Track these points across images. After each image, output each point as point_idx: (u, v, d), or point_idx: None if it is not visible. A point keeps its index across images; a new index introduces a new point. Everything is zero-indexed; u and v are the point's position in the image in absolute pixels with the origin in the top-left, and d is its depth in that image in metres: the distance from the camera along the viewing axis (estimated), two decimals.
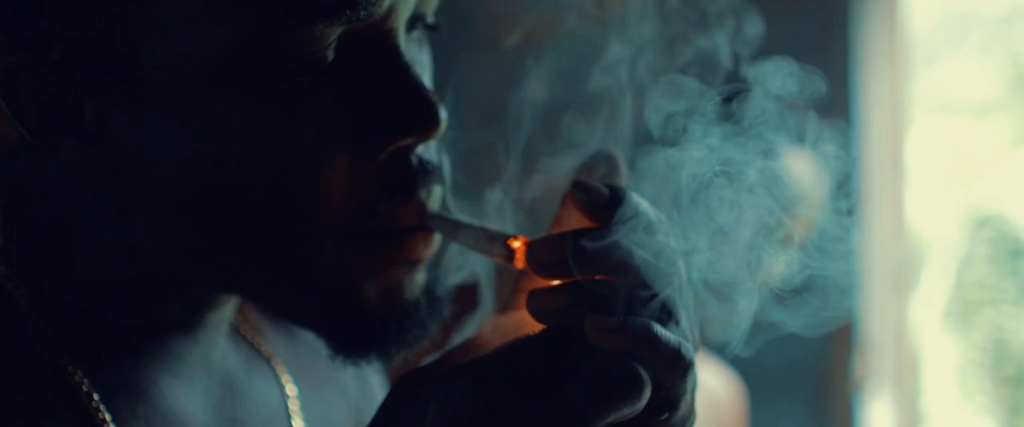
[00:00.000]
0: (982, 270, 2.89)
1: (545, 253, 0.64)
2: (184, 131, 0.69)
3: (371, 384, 0.95)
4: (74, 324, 0.75)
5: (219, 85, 0.68)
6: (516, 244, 0.66)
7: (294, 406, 0.86)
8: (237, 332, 0.86)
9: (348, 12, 0.67)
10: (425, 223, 0.72)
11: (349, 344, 0.75)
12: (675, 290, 0.64)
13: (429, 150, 0.73)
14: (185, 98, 0.69)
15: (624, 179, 0.69)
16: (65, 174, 0.73)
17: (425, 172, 0.72)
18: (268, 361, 0.87)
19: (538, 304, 0.63)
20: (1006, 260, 2.91)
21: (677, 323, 0.64)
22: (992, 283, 2.90)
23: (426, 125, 0.70)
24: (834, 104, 2.21)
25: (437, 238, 0.74)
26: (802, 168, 1.92)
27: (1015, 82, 2.97)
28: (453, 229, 0.71)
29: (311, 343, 0.89)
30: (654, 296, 0.63)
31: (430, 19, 0.74)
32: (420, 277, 0.74)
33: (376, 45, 0.70)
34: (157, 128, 0.70)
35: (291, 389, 0.87)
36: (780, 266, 1.90)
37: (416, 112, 0.70)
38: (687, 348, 0.63)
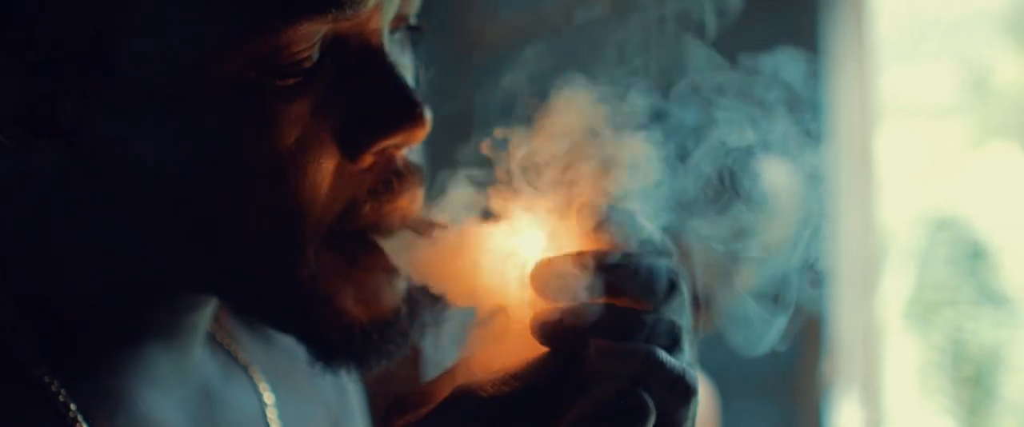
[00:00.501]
0: (941, 272, 2.91)
1: (555, 274, 0.62)
2: (166, 132, 0.68)
3: (349, 393, 0.94)
4: (51, 331, 0.74)
5: (202, 85, 0.67)
6: None
7: (272, 414, 0.86)
8: (213, 340, 0.85)
9: (334, 10, 0.66)
10: (410, 227, 0.71)
11: (328, 351, 0.74)
12: (681, 315, 0.64)
13: (412, 153, 0.72)
14: (167, 99, 0.68)
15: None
16: (44, 178, 0.72)
17: (410, 174, 0.71)
18: (245, 369, 0.86)
19: (544, 326, 0.61)
20: (965, 262, 2.94)
21: (681, 349, 0.63)
22: (951, 284, 2.93)
23: (412, 126, 0.69)
24: (803, 105, 2.21)
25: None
26: (777, 174, 1.94)
27: (971, 86, 3.01)
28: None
29: (289, 350, 0.88)
30: (660, 321, 0.62)
31: (412, 20, 0.73)
32: (400, 285, 0.73)
33: (361, 46, 0.69)
34: (138, 129, 0.68)
35: (268, 397, 0.86)
36: (754, 272, 1.87)
37: (401, 113, 0.69)
38: (691, 375, 0.62)
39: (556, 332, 0.61)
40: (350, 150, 0.69)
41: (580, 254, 0.63)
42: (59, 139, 0.69)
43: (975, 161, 2.98)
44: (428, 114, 0.70)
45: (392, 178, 0.70)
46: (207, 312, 0.79)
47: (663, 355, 0.61)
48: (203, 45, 0.66)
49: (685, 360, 0.63)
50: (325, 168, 0.69)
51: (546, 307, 0.62)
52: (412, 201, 0.71)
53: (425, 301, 0.73)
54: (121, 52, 0.67)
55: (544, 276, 0.63)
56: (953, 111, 2.97)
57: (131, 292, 0.75)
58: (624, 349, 0.60)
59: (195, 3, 0.66)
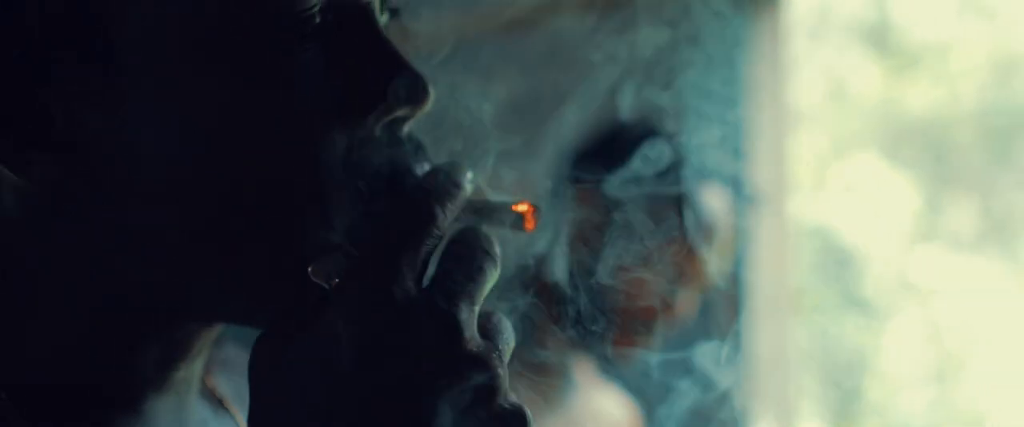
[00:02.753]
0: (809, 277, 2.98)
1: None
2: (170, 117, 0.66)
3: None
4: (35, 391, 0.69)
5: (205, 60, 0.65)
6: (523, 208, 0.68)
7: None
8: (204, 390, 0.80)
9: None
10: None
11: None
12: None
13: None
14: (168, 79, 0.65)
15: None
16: (28, 201, 0.68)
17: (419, 145, 0.70)
18: (233, 418, 0.83)
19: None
20: (831, 268, 3.02)
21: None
22: (818, 290, 3.00)
23: (418, 95, 0.68)
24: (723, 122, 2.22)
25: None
26: (709, 201, 1.93)
27: (830, 94, 3.09)
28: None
29: None
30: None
31: (392, 2, 0.72)
32: None
33: (357, 19, 0.68)
34: (139, 118, 0.66)
35: None
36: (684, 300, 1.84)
37: (406, 83, 0.68)
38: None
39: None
40: (360, 119, 0.68)
41: None
42: (50, 147, 0.66)
43: (837, 169, 3.06)
44: (430, 87, 0.69)
45: (405, 147, 0.69)
46: (202, 358, 0.75)
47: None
48: (201, 13, 0.65)
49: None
50: (339, 138, 0.67)
51: None
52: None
53: None
54: (115, 34, 0.65)
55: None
56: (814, 119, 3.03)
57: (125, 331, 0.69)
58: None
59: None
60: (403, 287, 0.62)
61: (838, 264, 3.02)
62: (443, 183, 0.66)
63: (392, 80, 0.68)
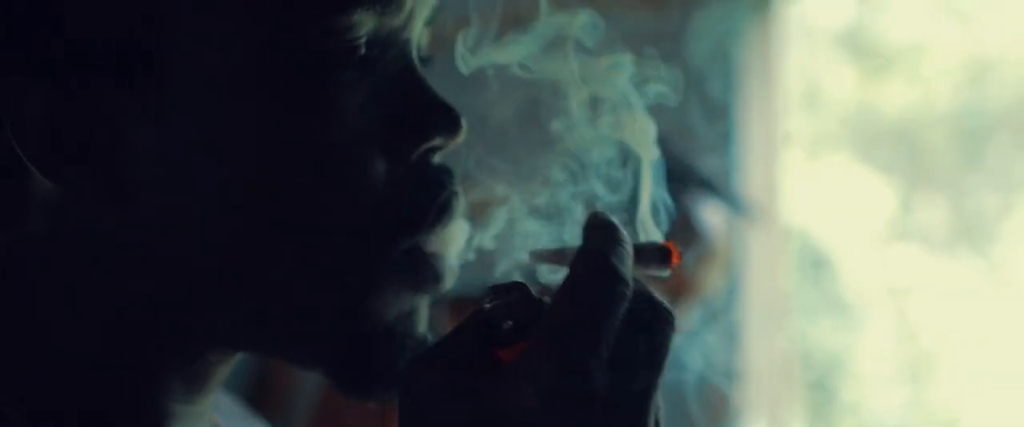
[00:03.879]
0: (787, 279, 3.00)
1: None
2: (211, 140, 0.66)
3: None
4: (54, 415, 0.68)
5: (249, 85, 0.66)
6: (667, 247, 0.68)
7: None
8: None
9: (378, 6, 0.67)
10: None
11: (367, 380, 0.71)
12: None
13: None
14: (211, 103, 0.66)
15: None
16: (60, 221, 0.67)
17: (449, 171, 0.71)
18: None
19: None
20: (809, 270, 3.03)
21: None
22: (796, 292, 3.01)
23: (453, 127, 0.70)
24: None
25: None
26: (704, 214, 1.93)
27: (805, 97, 3.10)
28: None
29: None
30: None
31: (424, 50, 0.74)
32: (425, 309, 0.72)
33: (398, 55, 0.70)
34: (183, 143, 0.66)
35: None
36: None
37: (442, 114, 0.70)
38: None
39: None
40: (399, 148, 0.69)
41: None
42: (93, 164, 0.66)
43: (813, 172, 3.07)
44: (462, 121, 0.71)
45: (440, 174, 0.70)
46: (216, 391, 0.75)
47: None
48: (250, 40, 0.66)
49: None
50: (380, 166, 0.68)
51: None
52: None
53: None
54: (163, 52, 0.65)
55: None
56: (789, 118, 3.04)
57: (151, 361, 0.69)
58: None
59: None
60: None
61: (813, 265, 3.04)
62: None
63: (431, 114, 0.70)
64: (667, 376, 0.63)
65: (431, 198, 0.69)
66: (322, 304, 0.69)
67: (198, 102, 0.66)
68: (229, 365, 0.73)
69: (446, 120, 0.70)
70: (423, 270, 0.70)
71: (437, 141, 0.70)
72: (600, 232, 0.65)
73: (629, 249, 0.64)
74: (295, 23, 0.66)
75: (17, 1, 0.65)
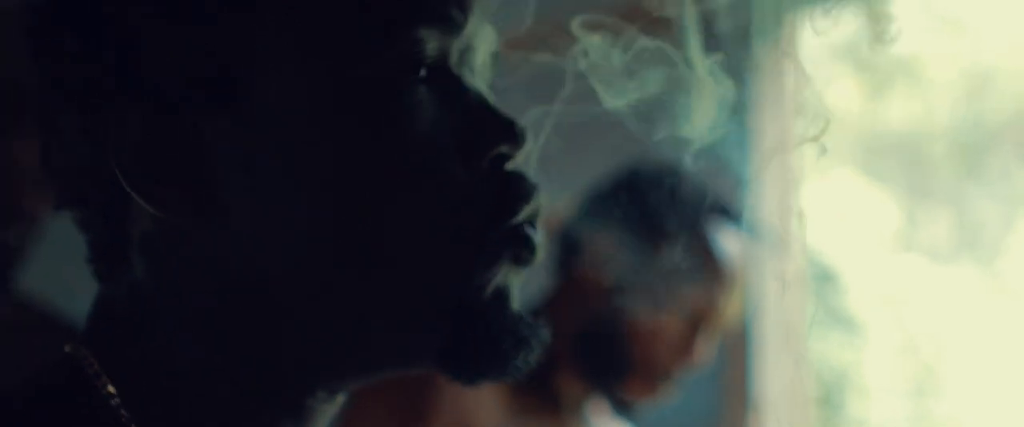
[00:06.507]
0: (803, 304, 2.99)
1: None
2: (295, 160, 0.69)
3: None
4: None
5: (328, 104, 0.69)
6: None
7: None
8: None
9: (446, 24, 0.71)
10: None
11: (470, 359, 0.73)
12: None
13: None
14: (294, 125, 0.68)
15: None
16: (160, 261, 0.70)
17: (525, 176, 0.74)
18: None
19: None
20: (814, 285, 3.02)
21: None
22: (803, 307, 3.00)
23: (516, 134, 0.73)
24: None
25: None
26: (724, 243, 1.92)
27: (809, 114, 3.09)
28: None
29: None
30: None
31: (491, 73, 0.78)
32: (518, 283, 0.75)
33: (461, 72, 0.74)
34: (267, 163, 0.69)
35: None
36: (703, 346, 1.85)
37: (504, 122, 0.74)
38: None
39: None
40: (472, 154, 0.72)
41: None
42: (183, 182, 0.69)
43: (819, 186, 3.06)
44: (524, 131, 0.74)
45: (515, 175, 0.74)
46: None
47: None
48: (330, 54, 0.69)
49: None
50: (455, 173, 0.71)
51: None
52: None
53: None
54: (247, 76, 0.68)
55: None
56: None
57: (260, 401, 0.71)
58: None
59: (325, 20, 0.68)
60: None
61: (818, 280, 3.03)
62: None
63: (493, 124, 0.74)
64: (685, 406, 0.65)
65: (512, 188, 0.73)
66: (422, 303, 0.71)
67: (279, 123, 0.68)
68: (334, 406, 0.74)
69: (508, 125, 0.74)
70: (516, 245, 0.73)
71: (504, 148, 0.73)
72: None
73: None
74: (364, 43, 0.69)
75: (116, 30, 0.68)
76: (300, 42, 0.69)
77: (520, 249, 0.73)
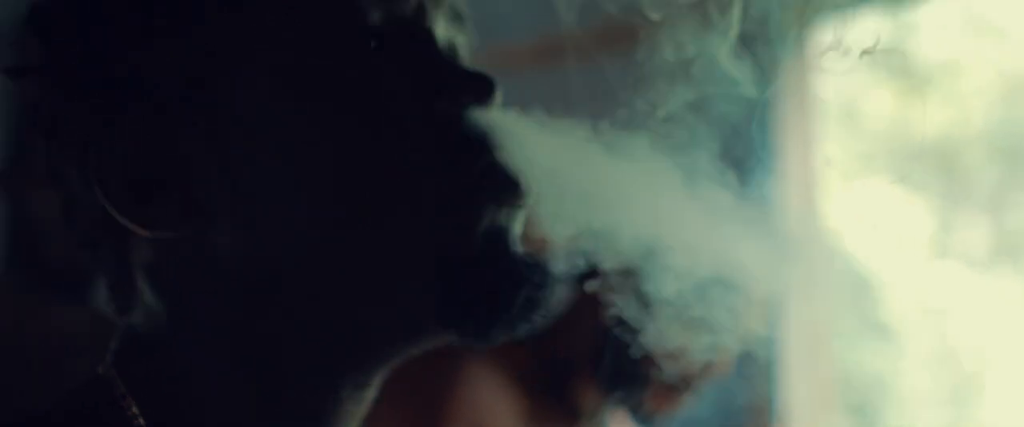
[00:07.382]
0: (829, 310, 2.97)
1: None
2: (281, 157, 0.69)
3: None
4: None
5: (290, 92, 0.69)
6: None
7: None
8: None
9: None
10: None
11: (469, 309, 0.72)
12: None
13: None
14: (272, 120, 0.69)
15: None
16: (162, 281, 0.70)
17: (489, 121, 0.73)
18: None
19: None
20: (849, 293, 3.00)
21: None
22: (836, 316, 2.98)
23: (486, 86, 0.72)
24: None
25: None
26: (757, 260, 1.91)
27: (840, 118, 3.07)
28: None
29: None
30: None
31: (458, 47, 0.78)
32: (516, 227, 0.73)
33: (418, 41, 0.73)
34: (242, 159, 0.69)
35: None
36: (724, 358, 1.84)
37: (467, 74, 0.73)
38: None
39: None
40: (438, 111, 0.72)
41: None
42: (169, 191, 0.69)
43: (852, 193, 3.04)
44: (494, 82, 0.74)
45: (476, 126, 0.72)
46: None
47: None
48: (295, 41, 0.69)
49: None
50: (424, 132, 0.72)
51: None
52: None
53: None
54: (216, 79, 0.69)
55: None
56: (827, 142, 3.02)
57: (283, 407, 0.72)
58: None
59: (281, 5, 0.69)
60: None
61: (853, 288, 3.00)
62: None
63: (458, 75, 0.73)
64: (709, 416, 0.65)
65: (477, 130, 0.72)
66: (412, 262, 0.71)
67: (249, 122, 0.69)
68: (360, 406, 0.74)
69: (476, 79, 0.73)
70: (491, 181, 0.72)
71: (471, 98, 0.72)
72: None
73: None
74: (313, 26, 0.69)
75: (82, 47, 0.69)
76: (257, 41, 0.69)
77: (498, 185, 0.72)
